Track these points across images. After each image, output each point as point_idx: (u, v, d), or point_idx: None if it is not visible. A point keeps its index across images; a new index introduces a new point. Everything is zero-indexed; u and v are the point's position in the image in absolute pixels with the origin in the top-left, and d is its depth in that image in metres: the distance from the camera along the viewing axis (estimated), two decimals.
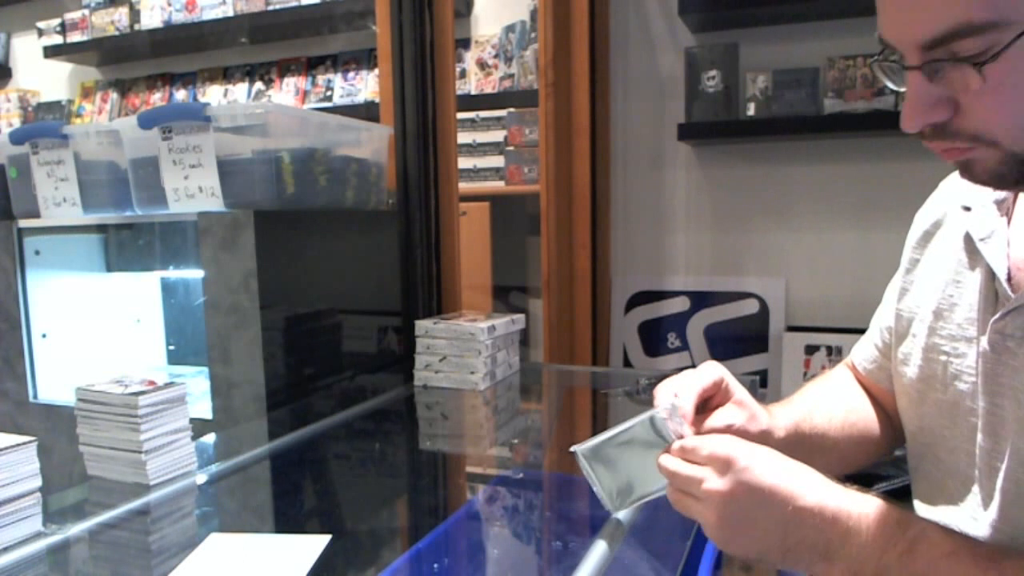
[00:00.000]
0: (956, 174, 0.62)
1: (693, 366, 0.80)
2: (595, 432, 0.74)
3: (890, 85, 0.61)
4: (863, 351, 0.91)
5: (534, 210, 2.16)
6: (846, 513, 0.62)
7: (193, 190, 1.34)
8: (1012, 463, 0.64)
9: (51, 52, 3.12)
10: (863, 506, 0.62)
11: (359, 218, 1.62)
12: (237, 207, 1.32)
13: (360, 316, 1.61)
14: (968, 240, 0.72)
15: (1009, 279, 0.66)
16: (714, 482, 0.64)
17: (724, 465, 0.64)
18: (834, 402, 0.89)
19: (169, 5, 2.87)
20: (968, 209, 0.73)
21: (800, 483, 0.63)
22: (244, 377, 1.30)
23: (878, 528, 0.61)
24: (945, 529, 0.61)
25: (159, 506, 0.94)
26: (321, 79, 2.78)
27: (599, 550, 0.75)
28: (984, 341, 0.67)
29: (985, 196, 0.71)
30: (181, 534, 0.88)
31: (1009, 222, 0.69)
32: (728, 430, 0.74)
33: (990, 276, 0.68)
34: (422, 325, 1.49)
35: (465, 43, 2.48)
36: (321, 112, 1.57)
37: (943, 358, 0.72)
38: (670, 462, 0.69)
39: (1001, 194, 0.70)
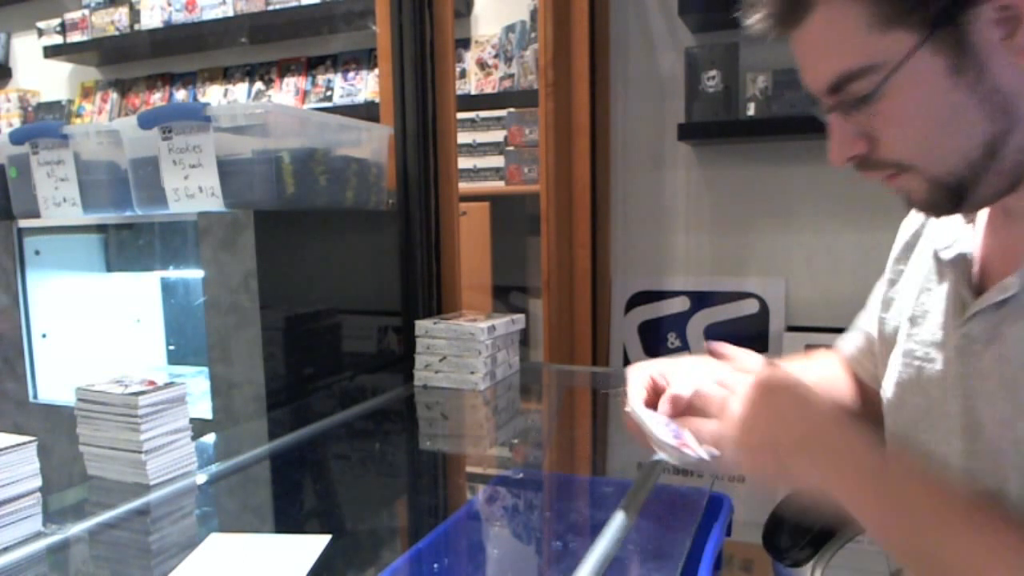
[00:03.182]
0: None
1: None
2: (595, 432, 0.74)
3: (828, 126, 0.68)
4: (848, 339, 0.98)
5: (534, 210, 2.16)
6: (868, 435, 0.65)
7: (193, 190, 1.34)
8: (989, 461, 0.65)
9: (51, 52, 3.12)
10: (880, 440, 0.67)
11: (359, 218, 1.62)
12: (237, 207, 1.32)
13: (360, 316, 1.61)
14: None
15: (973, 286, 0.70)
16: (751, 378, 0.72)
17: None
18: (810, 369, 0.97)
19: (169, 5, 2.87)
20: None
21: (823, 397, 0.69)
22: (244, 377, 1.30)
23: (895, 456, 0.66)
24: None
25: (159, 506, 0.94)
26: (321, 79, 2.78)
27: (599, 550, 0.75)
28: (952, 346, 0.70)
29: None
30: (181, 534, 0.88)
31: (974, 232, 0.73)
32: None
33: (956, 284, 0.71)
34: (422, 325, 1.49)
35: (465, 43, 2.48)
36: (321, 112, 1.57)
37: (917, 363, 0.76)
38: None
39: None
